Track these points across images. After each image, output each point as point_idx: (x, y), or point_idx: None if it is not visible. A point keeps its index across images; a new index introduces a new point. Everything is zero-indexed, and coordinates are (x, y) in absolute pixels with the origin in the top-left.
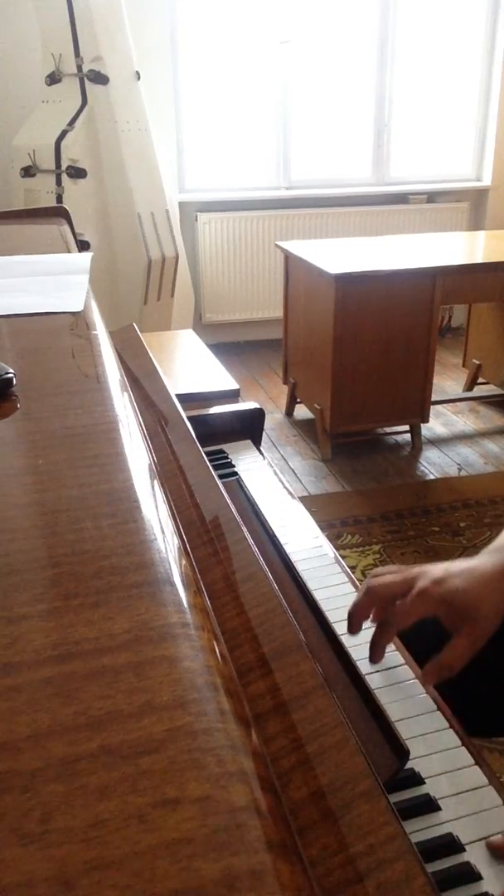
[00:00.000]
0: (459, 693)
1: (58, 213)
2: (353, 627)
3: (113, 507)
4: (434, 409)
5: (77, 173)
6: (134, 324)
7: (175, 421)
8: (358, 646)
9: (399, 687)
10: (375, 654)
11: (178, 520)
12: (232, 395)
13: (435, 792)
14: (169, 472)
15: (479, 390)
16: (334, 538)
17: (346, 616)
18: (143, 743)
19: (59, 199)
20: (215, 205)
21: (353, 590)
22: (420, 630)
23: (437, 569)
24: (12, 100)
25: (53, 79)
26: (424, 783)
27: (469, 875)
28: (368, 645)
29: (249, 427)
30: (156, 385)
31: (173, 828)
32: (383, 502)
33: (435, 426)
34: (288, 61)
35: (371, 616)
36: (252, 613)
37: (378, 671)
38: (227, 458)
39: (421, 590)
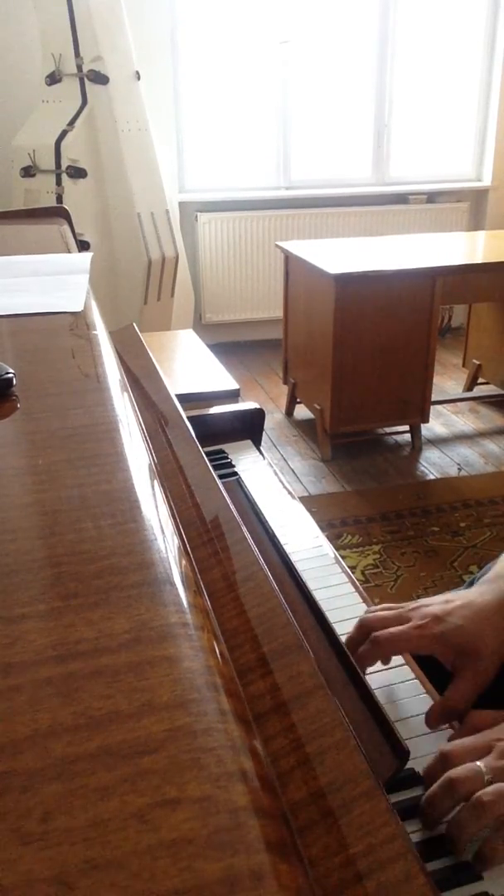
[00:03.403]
0: None
1: (58, 213)
2: (361, 668)
3: (113, 507)
4: (434, 409)
5: (77, 173)
6: (134, 324)
7: (175, 421)
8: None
9: (399, 687)
10: (361, 665)
11: (178, 520)
12: (232, 396)
13: None
14: (169, 472)
15: (479, 390)
16: (334, 538)
17: (345, 616)
18: (143, 743)
19: (59, 199)
20: (215, 205)
21: (353, 590)
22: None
23: (434, 605)
24: (12, 100)
25: (53, 79)
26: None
27: (469, 875)
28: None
29: (249, 427)
30: (156, 385)
31: (173, 828)
32: (383, 502)
33: (435, 426)
34: (288, 61)
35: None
36: (252, 613)
37: (378, 671)
38: (227, 458)
39: (419, 625)
